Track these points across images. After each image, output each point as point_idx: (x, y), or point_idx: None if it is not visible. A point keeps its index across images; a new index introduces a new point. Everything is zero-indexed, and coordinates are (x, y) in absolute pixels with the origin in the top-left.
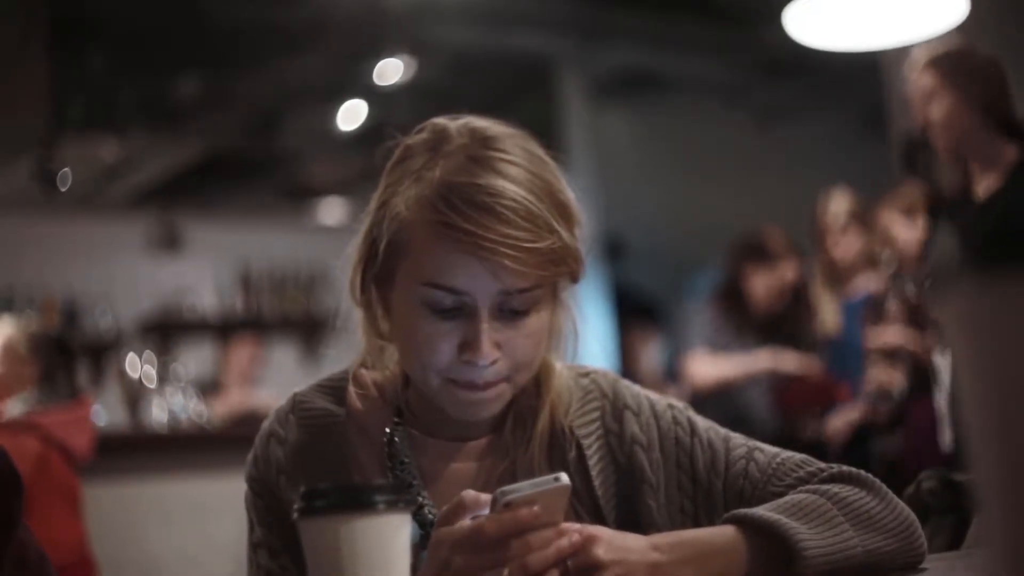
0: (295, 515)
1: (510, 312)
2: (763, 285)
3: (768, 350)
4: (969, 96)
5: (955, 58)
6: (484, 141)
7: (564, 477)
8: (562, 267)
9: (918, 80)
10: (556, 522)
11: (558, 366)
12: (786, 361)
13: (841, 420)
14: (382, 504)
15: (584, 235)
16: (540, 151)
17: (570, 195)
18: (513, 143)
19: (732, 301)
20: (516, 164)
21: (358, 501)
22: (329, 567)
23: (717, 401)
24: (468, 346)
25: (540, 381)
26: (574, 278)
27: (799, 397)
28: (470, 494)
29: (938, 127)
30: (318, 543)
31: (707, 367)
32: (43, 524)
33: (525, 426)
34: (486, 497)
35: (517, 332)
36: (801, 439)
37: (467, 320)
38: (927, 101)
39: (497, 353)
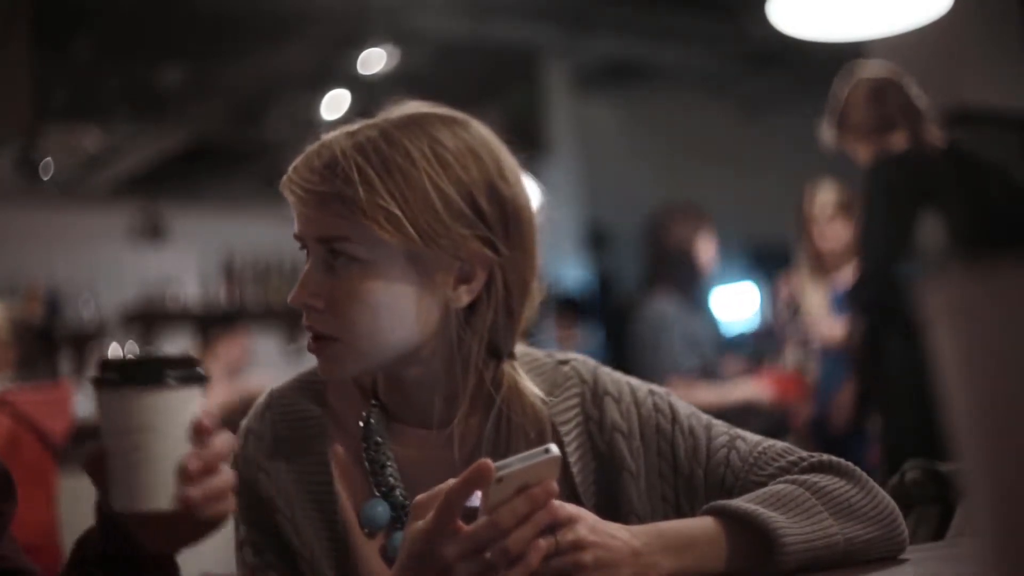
0: (91, 384)
1: (332, 264)
2: (711, 249)
3: (745, 380)
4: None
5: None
6: (402, 116)
7: (554, 448)
8: (361, 220)
9: None
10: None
11: (516, 364)
12: (762, 390)
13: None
14: (172, 379)
15: (456, 233)
16: (466, 138)
17: (439, 181)
18: (432, 119)
19: (689, 271)
20: (382, 131)
21: (149, 375)
22: (120, 436)
23: None
24: None
25: (500, 383)
26: (419, 254)
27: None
28: (422, 498)
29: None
30: (111, 413)
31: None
32: None
33: (495, 413)
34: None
35: (338, 287)
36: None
37: None
38: None
39: (313, 301)
